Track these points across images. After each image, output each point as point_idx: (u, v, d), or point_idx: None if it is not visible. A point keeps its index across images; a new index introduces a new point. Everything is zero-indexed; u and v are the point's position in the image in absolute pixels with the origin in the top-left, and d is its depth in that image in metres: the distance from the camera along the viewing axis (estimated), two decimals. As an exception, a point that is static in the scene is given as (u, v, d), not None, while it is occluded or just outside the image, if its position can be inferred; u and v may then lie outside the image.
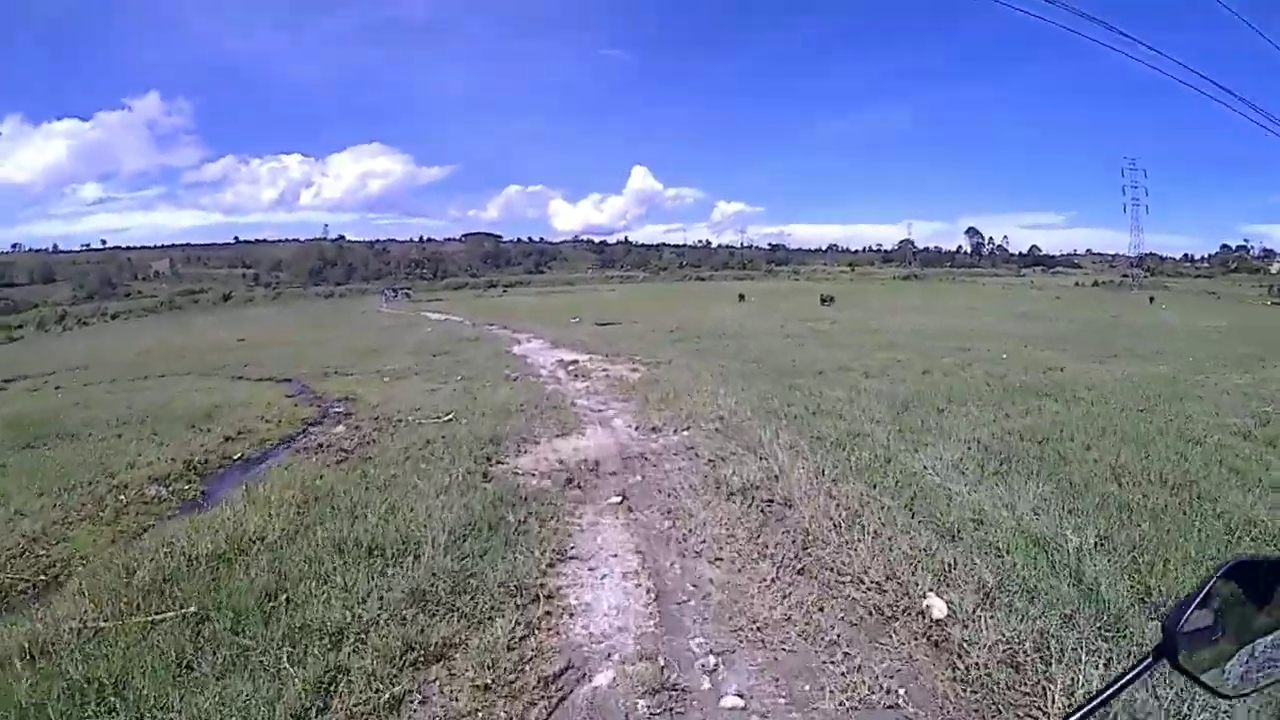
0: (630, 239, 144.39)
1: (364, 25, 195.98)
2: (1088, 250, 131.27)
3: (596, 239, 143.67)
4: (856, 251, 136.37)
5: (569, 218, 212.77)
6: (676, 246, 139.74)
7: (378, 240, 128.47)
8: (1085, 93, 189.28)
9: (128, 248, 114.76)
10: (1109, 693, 1.12)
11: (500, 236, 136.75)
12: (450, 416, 11.02)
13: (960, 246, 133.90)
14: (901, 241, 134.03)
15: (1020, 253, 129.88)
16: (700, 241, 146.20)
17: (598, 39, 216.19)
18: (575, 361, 18.42)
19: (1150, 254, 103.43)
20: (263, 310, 69.16)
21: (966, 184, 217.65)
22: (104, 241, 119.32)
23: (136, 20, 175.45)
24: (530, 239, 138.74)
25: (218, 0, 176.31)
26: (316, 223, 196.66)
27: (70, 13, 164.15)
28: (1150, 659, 1.11)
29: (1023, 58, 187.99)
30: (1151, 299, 58.72)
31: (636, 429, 10.05)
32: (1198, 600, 1.12)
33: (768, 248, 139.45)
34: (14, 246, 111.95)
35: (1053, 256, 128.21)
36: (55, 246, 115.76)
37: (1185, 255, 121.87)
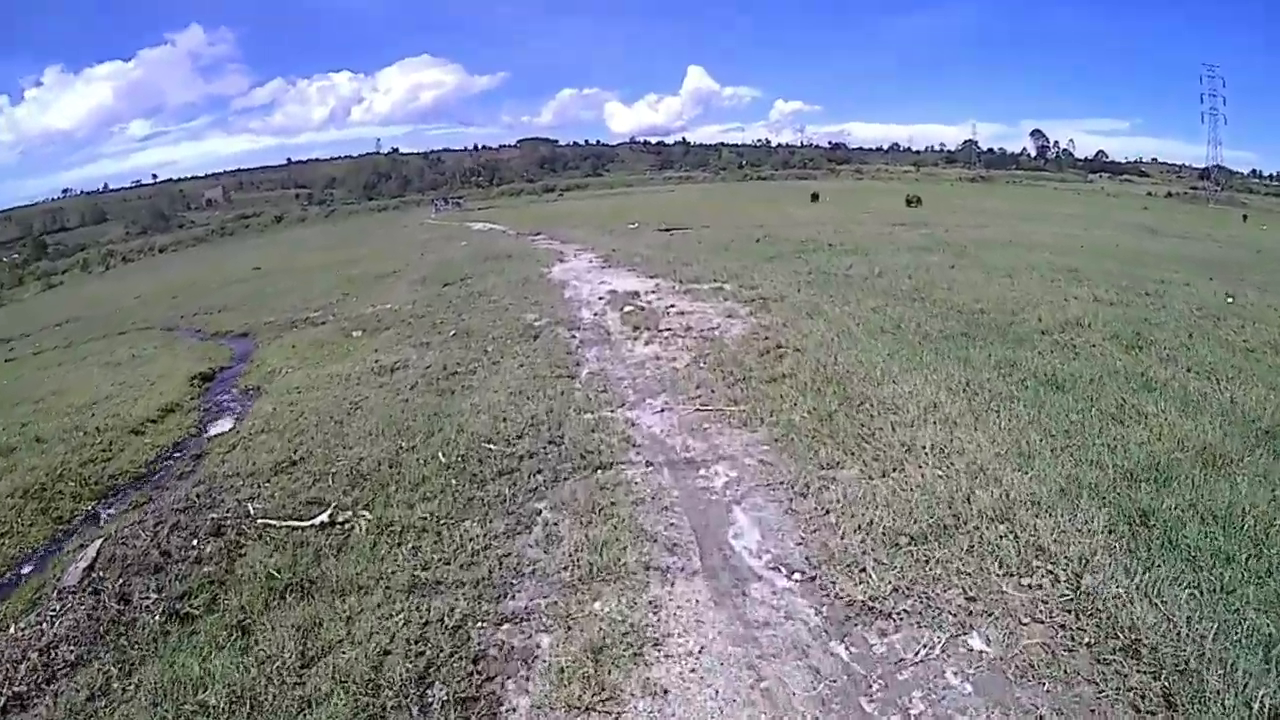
0: (688, 139, 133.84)
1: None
2: (1154, 159, 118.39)
3: (654, 140, 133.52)
4: (919, 152, 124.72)
5: (625, 119, 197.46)
6: (735, 146, 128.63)
7: (431, 151, 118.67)
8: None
9: (179, 179, 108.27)
10: None
11: (556, 141, 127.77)
12: (338, 516, 4.36)
13: (1024, 149, 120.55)
14: (965, 142, 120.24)
15: (1086, 158, 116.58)
16: (759, 141, 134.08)
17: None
18: (634, 295, 11.53)
19: (1219, 166, 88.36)
20: (308, 231, 61.16)
21: (1029, 86, 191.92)
22: (154, 176, 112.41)
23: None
24: (586, 142, 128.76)
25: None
26: (369, 138, 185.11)
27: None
28: None
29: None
30: (1245, 217, 47.33)
31: (825, 613, 3.14)
32: None
33: (828, 146, 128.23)
34: (65, 192, 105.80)
35: (1118, 163, 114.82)
36: (106, 186, 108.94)
37: (1252, 171, 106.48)
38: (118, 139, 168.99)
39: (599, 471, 4.58)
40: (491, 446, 5.14)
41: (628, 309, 10.37)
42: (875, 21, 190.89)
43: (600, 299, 11.65)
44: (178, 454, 6.67)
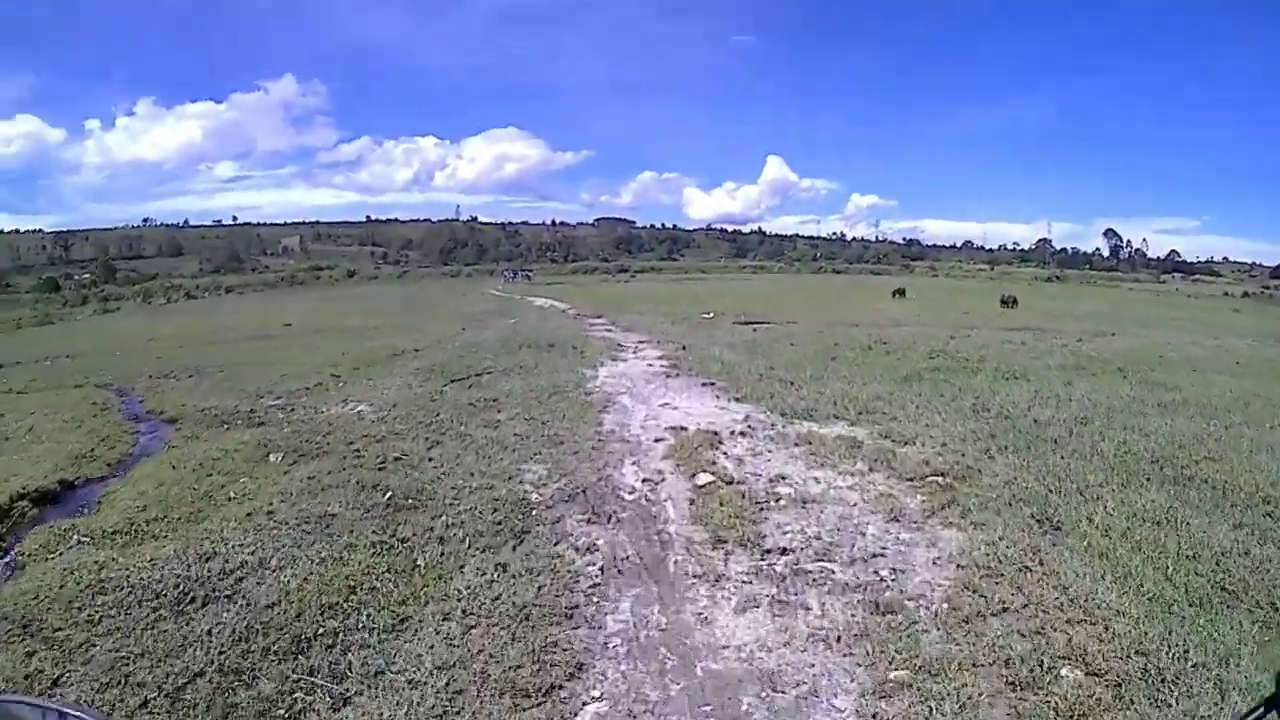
0: (764, 229, 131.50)
1: (499, 9, 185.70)
2: (1225, 258, 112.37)
3: (730, 228, 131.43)
4: (992, 250, 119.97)
5: (702, 205, 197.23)
6: (810, 238, 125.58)
7: (509, 222, 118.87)
8: (1220, 90, 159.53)
9: (259, 224, 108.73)
10: None
11: (633, 222, 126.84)
12: None
13: (1097, 249, 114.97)
14: (1039, 240, 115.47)
15: (1159, 257, 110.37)
16: (834, 234, 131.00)
17: (731, 25, 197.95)
18: (713, 439, 6.93)
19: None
20: (377, 289, 60.11)
21: (1101, 184, 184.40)
22: (235, 217, 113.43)
23: (271, 5, 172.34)
24: (663, 225, 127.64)
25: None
26: (449, 204, 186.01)
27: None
28: (1261, 710, 0.85)
29: (1157, 51, 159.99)
30: None
31: None
32: None
33: (902, 242, 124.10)
34: (145, 221, 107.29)
35: (1190, 263, 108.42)
36: (186, 221, 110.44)
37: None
38: (203, 177, 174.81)
39: None
40: None
41: (703, 480, 5.72)
42: (950, 116, 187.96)
43: (658, 440, 7.10)
44: None
